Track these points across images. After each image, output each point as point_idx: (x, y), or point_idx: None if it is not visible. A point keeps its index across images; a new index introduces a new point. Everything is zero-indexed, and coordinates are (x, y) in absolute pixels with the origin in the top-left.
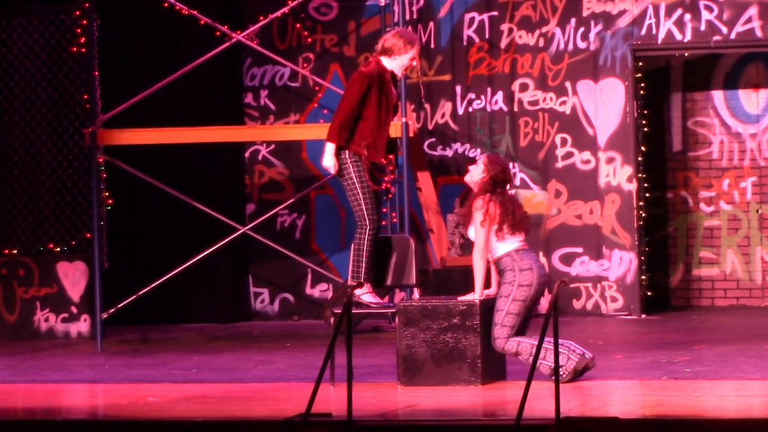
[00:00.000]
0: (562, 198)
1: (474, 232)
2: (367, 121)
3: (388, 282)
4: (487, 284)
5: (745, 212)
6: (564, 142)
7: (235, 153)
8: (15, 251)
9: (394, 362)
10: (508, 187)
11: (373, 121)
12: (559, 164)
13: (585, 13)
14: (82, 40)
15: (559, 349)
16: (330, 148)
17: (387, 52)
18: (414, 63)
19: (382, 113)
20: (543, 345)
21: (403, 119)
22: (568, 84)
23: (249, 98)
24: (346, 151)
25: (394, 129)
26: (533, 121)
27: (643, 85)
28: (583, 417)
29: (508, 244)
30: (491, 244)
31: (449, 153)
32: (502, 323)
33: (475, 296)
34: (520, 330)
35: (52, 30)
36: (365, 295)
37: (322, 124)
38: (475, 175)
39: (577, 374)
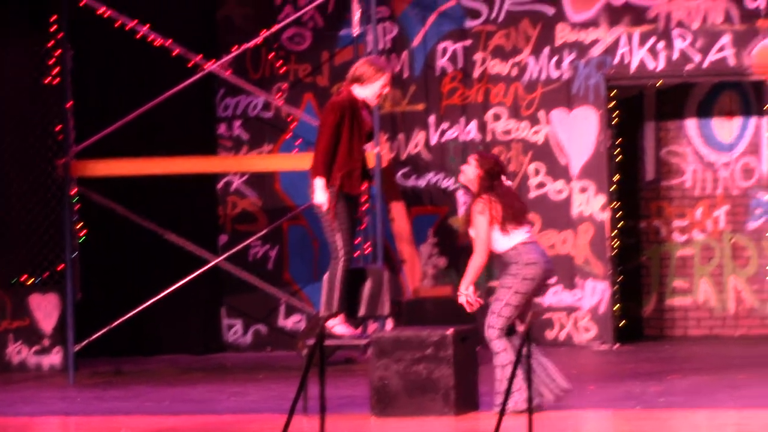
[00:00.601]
0: (535, 228)
1: (476, 234)
2: (341, 151)
3: (361, 313)
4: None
5: (718, 241)
6: (537, 171)
7: (208, 184)
8: None
9: (367, 393)
10: (503, 178)
11: (346, 150)
12: (532, 194)
13: (558, 42)
14: (56, 71)
15: (522, 384)
16: (319, 183)
17: (358, 80)
18: (386, 90)
19: (354, 142)
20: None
21: (376, 149)
22: (541, 113)
23: (222, 129)
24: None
25: (368, 159)
26: (506, 151)
27: (616, 114)
28: None
29: (514, 238)
30: (496, 240)
31: (422, 183)
32: (499, 313)
33: (461, 289)
34: (515, 320)
35: (25, 60)
36: (338, 326)
37: (296, 154)
38: (469, 173)
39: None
